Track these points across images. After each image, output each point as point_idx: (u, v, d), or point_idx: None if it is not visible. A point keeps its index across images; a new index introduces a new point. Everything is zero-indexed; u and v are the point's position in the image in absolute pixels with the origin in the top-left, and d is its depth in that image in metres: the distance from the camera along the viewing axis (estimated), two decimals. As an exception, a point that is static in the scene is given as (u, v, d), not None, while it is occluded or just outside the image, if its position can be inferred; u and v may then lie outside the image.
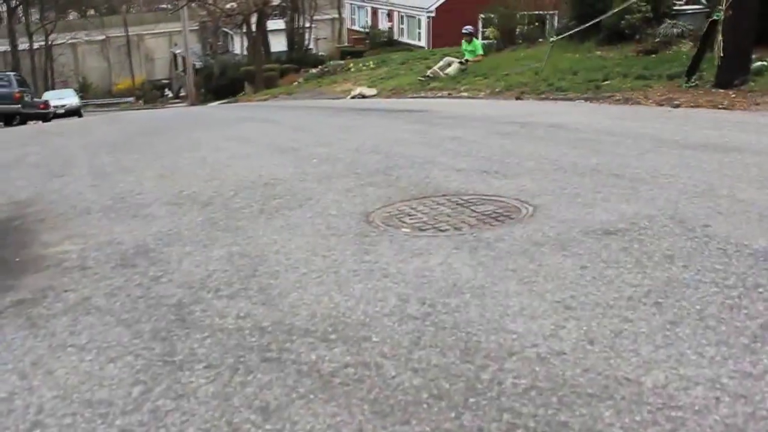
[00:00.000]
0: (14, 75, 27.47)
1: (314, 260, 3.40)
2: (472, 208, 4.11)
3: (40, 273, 3.65)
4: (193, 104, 34.34)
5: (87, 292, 3.27)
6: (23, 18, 50.81)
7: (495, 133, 7.12)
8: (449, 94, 14.84)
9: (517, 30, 22.96)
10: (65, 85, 50.23)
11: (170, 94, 53.02)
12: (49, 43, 50.51)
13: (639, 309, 2.55)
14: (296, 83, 30.86)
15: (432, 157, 5.79)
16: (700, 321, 2.42)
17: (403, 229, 3.79)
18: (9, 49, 44.59)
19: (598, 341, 2.34)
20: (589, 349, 2.29)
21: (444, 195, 4.47)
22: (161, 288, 3.22)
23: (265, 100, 25.53)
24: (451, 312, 2.67)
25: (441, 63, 17.99)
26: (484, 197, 4.33)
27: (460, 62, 17.60)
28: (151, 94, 52.97)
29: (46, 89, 46.01)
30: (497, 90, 13.66)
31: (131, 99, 53.26)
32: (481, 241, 3.45)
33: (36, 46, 49.16)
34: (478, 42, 19.60)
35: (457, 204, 4.23)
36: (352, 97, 18.57)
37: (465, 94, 14.35)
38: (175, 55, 54.26)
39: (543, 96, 12.02)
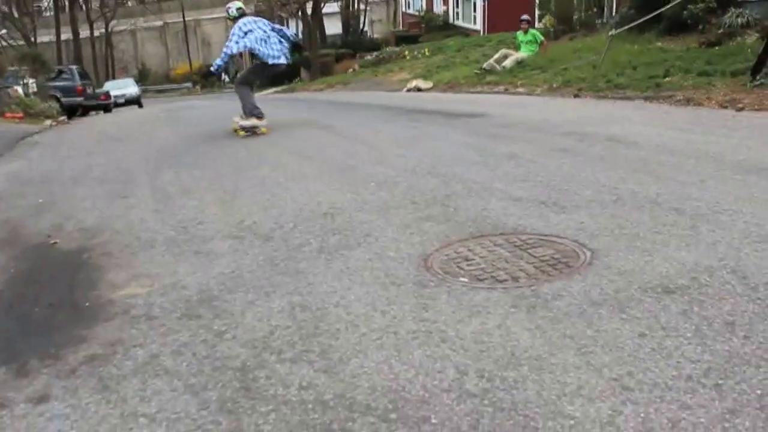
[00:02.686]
0: (76, 68, 28.19)
1: (374, 317, 3.47)
2: (530, 251, 4.12)
3: (109, 322, 3.79)
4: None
5: (155, 349, 3.39)
6: (84, 6, 51.82)
7: (553, 148, 7.07)
8: (506, 89, 14.73)
9: (575, 16, 22.63)
10: (125, 71, 51.30)
11: (227, 79, 53.56)
12: (109, 30, 51.49)
13: (698, 392, 2.55)
14: (352, 70, 31.01)
15: (489, 182, 5.79)
16: (760, 411, 2.41)
17: (461, 278, 3.83)
18: (71, 38, 45.53)
19: (656, 433, 2.36)
20: (647, 443, 2.31)
21: (502, 233, 4.49)
22: (226, 347, 3.33)
23: (321, 90, 25.71)
24: (509, 389, 2.70)
25: (497, 56, 17.85)
26: (541, 238, 4.34)
27: (533, 49, 17.54)
28: (208, 78, 53.56)
29: (107, 76, 47.09)
30: (555, 86, 13.50)
31: (189, 84, 54.01)
32: (539, 298, 3.47)
33: (96, 33, 50.13)
34: (535, 30, 19.38)
35: (515, 246, 4.24)
36: (408, 90, 18.58)
37: (522, 89, 14.23)
38: (231, 40, 54.69)
39: (601, 94, 11.85)
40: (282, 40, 10.13)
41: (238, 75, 10.31)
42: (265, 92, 31.77)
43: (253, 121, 10.20)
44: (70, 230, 5.77)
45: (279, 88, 33.22)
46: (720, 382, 2.61)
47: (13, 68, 24.12)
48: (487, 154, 7.07)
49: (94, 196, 6.97)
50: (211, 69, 10.91)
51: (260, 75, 10.94)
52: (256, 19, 10.52)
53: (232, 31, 9.84)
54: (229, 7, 10.13)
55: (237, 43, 9.71)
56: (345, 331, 3.36)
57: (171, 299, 4.00)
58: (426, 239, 4.54)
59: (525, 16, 18.45)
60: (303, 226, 5.09)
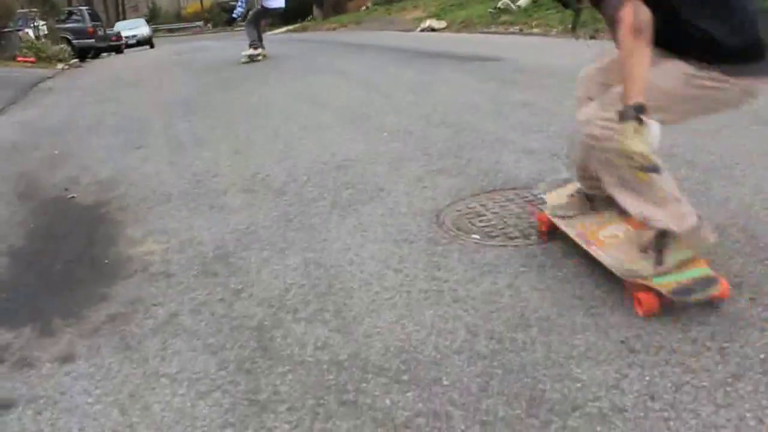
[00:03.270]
0: (86, 9, 28.01)
1: (386, 275, 3.53)
2: (541, 207, 4.15)
3: (128, 279, 3.87)
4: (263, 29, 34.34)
5: (174, 308, 3.48)
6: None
7: (567, 95, 7.01)
8: (521, 29, 14.56)
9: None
10: (135, 10, 50.80)
11: (239, 18, 52.98)
12: (119, -32, 50.90)
13: (703, 355, 2.61)
14: (365, 8, 30.62)
15: (503, 132, 5.80)
16: (762, 375, 2.47)
17: (473, 235, 3.88)
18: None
19: (659, 396, 2.42)
20: (650, 406, 2.38)
21: (514, 188, 4.53)
22: (242, 306, 3.41)
23: (333, 29, 25.44)
24: (518, 350, 2.77)
25: (512, -7, 17.54)
26: (553, 193, 4.36)
27: None
28: (220, 17, 53.03)
29: (117, 17, 46.67)
30: (570, 26, 13.31)
31: (200, 23, 53.55)
32: (549, 257, 3.52)
33: (107, -29, 49.58)
34: (551, -33, 19.00)
35: (526, 201, 4.28)
36: (422, 30, 18.38)
37: (537, 30, 14.05)
38: (243, -23, 53.98)
39: (617, 35, 11.68)
40: None
41: (249, 16, 13.85)
42: (277, 30, 31.51)
43: (250, 51, 13.68)
44: (87, 183, 5.84)
45: (291, 27, 32.90)
46: (725, 345, 2.66)
47: (22, 10, 23.95)
48: (500, 102, 7.05)
49: (109, 147, 7.03)
50: (233, 15, 14.81)
51: (263, 17, 14.52)
52: None
53: None
54: None
55: None
56: (358, 289, 3.43)
57: (188, 256, 4.08)
58: (438, 194, 4.58)
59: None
60: (316, 180, 5.14)
